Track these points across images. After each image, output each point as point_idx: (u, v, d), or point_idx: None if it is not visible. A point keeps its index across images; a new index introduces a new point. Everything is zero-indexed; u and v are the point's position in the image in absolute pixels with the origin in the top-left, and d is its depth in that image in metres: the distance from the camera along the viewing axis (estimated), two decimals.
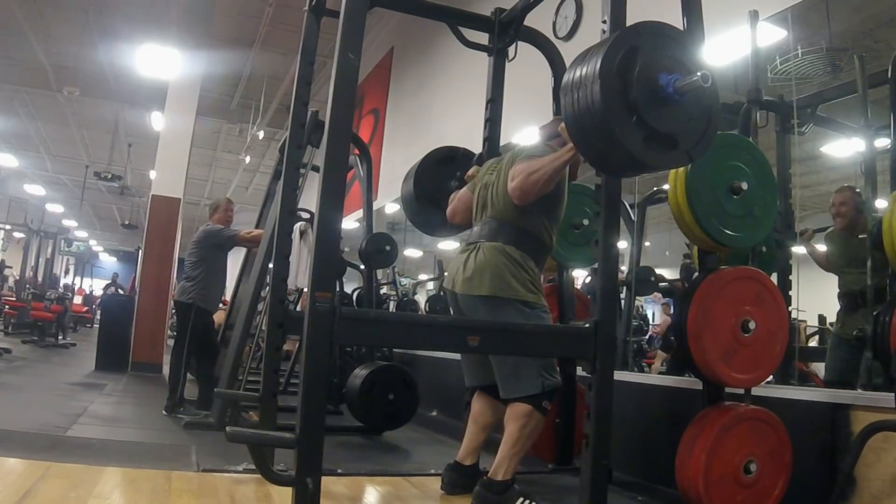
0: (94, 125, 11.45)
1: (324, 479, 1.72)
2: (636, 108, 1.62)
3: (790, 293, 2.88)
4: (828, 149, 3.89)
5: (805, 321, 3.91)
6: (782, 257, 2.95)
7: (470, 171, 2.71)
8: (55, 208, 17.08)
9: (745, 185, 2.17)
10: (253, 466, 2.06)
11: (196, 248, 4.32)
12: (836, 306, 3.13)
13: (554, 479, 2.83)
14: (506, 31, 2.92)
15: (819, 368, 3.66)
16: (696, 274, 2.31)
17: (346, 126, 1.90)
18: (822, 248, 3.28)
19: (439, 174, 2.94)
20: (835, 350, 3.06)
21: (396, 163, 6.62)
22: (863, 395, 2.23)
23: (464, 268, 2.33)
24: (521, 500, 2.20)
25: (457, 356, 3.00)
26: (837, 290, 3.07)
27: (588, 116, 1.64)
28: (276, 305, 2.53)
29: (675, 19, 2.36)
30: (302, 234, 4.75)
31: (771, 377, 2.40)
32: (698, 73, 1.61)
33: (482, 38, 3.02)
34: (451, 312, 2.50)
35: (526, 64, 3.01)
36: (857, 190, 3.00)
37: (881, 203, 2.63)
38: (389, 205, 6.79)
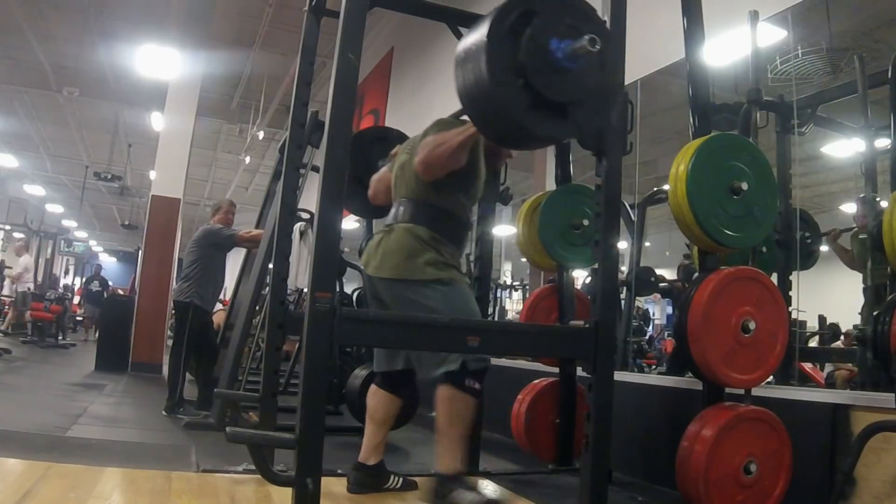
0: (94, 125, 11.45)
1: (324, 479, 1.71)
2: (524, 74, 1.57)
3: (790, 293, 2.88)
4: (828, 149, 3.90)
5: (805, 321, 3.92)
6: (782, 257, 2.95)
7: (394, 150, 2.62)
8: (55, 209, 17.10)
9: (745, 186, 2.16)
10: (253, 467, 2.06)
11: (195, 247, 4.32)
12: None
13: (554, 479, 2.83)
14: None
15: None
16: (696, 274, 2.31)
17: (346, 126, 1.89)
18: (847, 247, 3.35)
19: (370, 154, 2.87)
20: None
21: None
22: (863, 396, 2.23)
23: (376, 250, 2.30)
24: (459, 490, 2.11)
25: None
26: (863, 286, 3.09)
27: (475, 85, 1.60)
28: (276, 306, 2.53)
29: (676, 19, 2.37)
30: (302, 234, 4.75)
31: (771, 377, 2.40)
32: (585, 37, 1.53)
33: None
34: (367, 294, 2.46)
35: None
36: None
37: (881, 204, 2.63)
38: None
